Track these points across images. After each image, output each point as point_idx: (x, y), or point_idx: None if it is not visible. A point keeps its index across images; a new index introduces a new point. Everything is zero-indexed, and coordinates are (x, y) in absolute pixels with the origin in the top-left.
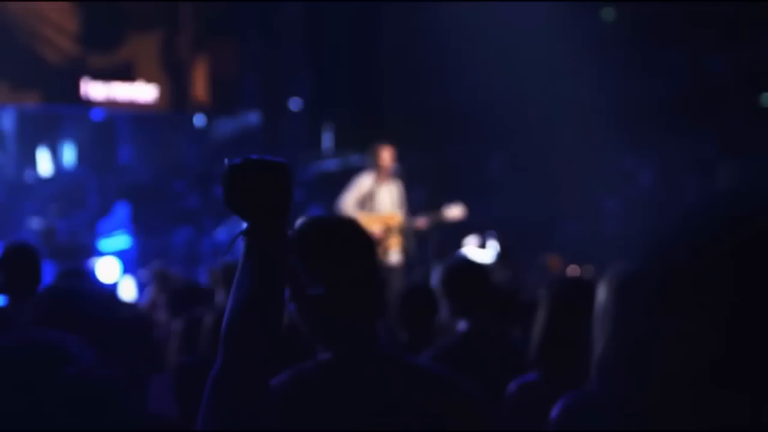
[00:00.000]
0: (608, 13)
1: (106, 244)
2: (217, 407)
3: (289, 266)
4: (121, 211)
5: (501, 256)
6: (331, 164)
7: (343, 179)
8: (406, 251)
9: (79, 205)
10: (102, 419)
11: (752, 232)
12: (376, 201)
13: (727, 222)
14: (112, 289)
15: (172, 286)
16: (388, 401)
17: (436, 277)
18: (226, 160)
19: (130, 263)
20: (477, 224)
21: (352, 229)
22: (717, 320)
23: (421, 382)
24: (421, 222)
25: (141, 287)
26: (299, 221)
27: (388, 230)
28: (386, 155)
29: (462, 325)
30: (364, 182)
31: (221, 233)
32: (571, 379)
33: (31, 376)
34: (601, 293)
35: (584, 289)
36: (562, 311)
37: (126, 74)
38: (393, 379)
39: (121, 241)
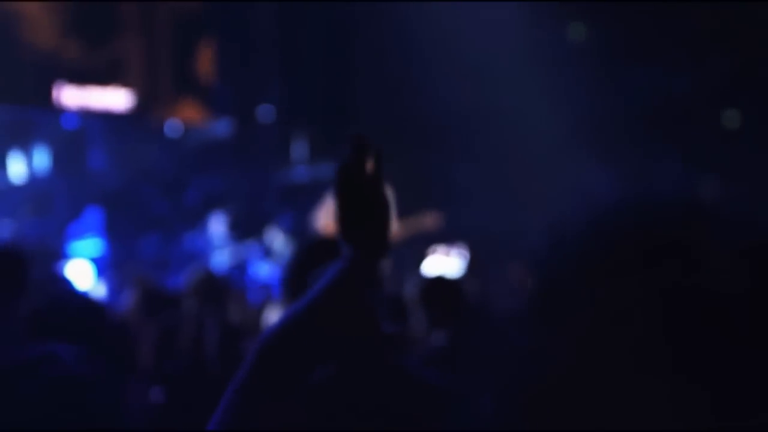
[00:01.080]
0: (577, 31)
1: (77, 248)
2: (242, 415)
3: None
4: (92, 215)
5: (470, 267)
6: (303, 173)
7: (314, 189)
8: None
9: (49, 209)
10: (83, 414)
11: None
12: None
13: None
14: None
15: (151, 293)
16: (392, 412)
17: (412, 289)
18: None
19: (101, 268)
20: (444, 234)
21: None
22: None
23: (425, 394)
24: (395, 232)
25: (111, 292)
26: (303, 242)
27: None
28: None
29: (437, 337)
30: None
31: (190, 240)
32: None
33: (18, 379)
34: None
35: None
36: None
37: (99, 79)
38: (396, 390)
39: (92, 245)
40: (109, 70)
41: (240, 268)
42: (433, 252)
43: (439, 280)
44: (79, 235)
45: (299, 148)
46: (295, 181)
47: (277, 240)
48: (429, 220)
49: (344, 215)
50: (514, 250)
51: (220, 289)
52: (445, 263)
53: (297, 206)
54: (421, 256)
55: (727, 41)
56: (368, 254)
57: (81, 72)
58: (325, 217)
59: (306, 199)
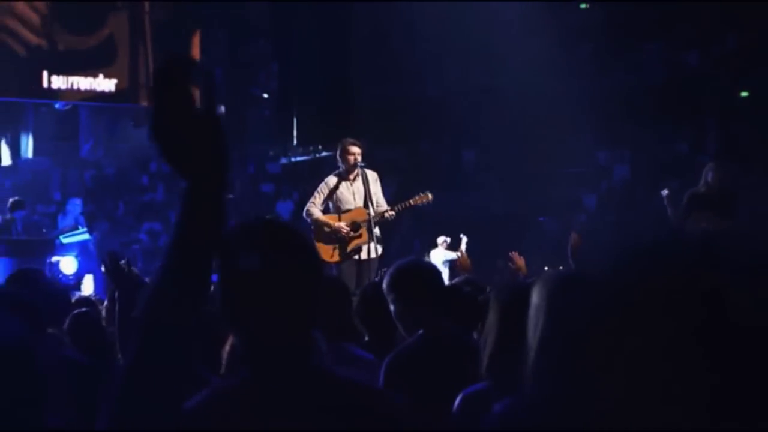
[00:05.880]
0: (585, 8)
1: (67, 238)
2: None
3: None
4: (80, 205)
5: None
6: (299, 158)
7: (311, 173)
8: (380, 244)
9: (41, 198)
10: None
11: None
12: (342, 198)
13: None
14: (71, 284)
15: (129, 284)
16: (310, 419)
17: (386, 280)
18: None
19: (93, 258)
20: (450, 219)
21: (286, 234)
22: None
23: (347, 398)
24: (389, 212)
25: (100, 283)
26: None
27: (356, 226)
28: (353, 151)
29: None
30: (329, 182)
31: None
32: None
33: None
34: (536, 298)
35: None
36: (511, 319)
37: (90, 66)
38: (316, 395)
39: (82, 235)
40: (97, 58)
41: None
42: (437, 242)
43: (413, 269)
44: (70, 225)
45: (296, 133)
46: (292, 166)
47: None
48: (421, 196)
49: (174, 144)
50: (521, 236)
51: None
52: (447, 253)
53: (294, 191)
54: (427, 245)
55: (736, 17)
56: (204, 183)
57: (69, 61)
58: (318, 206)
59: (304, 183)
